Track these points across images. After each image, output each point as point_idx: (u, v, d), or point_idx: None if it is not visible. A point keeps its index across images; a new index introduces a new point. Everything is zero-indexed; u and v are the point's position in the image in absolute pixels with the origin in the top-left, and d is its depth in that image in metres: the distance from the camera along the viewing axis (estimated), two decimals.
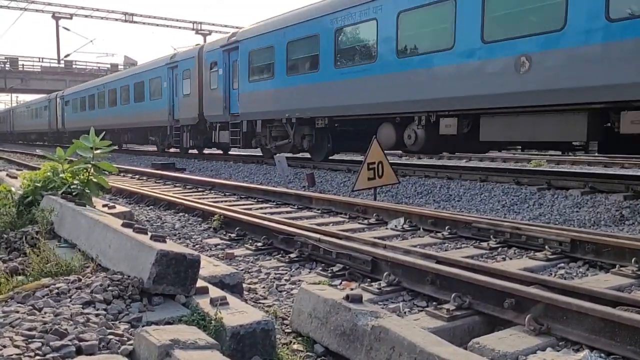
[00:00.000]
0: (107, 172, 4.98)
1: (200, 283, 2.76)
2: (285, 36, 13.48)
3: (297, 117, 13.36)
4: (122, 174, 13.54)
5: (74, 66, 54.24)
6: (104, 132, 5.33)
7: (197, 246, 5.32)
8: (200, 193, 9.93)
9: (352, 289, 3.76)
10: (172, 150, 21.92)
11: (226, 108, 16.34)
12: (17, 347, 1.96)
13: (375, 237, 5.23)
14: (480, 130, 9.13)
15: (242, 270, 4.30)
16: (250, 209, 7.30)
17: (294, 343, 2.80)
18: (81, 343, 2.03)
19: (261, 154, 17.01)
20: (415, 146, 10.68)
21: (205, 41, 43.32)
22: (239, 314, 2.48)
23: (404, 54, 10.34)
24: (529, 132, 8.45)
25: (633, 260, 4.14)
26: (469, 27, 8.85)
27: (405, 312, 3.37)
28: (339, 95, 11.72)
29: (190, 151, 20.96)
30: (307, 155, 15.01)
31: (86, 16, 52.81)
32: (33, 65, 52.89)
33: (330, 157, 14.35)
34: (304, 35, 12.79)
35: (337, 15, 11.82)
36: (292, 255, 4.73)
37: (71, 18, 52.83)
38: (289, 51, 13.38)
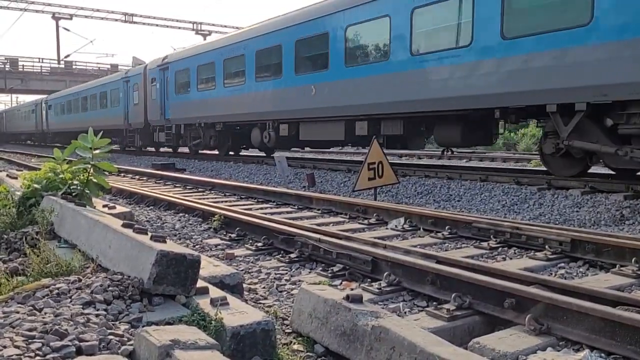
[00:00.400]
0: (106, 173, 4.98)
1: (200, 283, 2.76)
2: (196, 61, 18.11)
3: (204, 122, 17.92)
4: (122, 174, 13.54)
5: (74, 67, 54.21)
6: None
7: (197, 246, 5.32)
8: (201, 193, 9.93)
9: (352, 289, 3.76)
10: (181, 150, 23.77)
11: (162, 114, 20.55)
12: (17, 347, 1.96)
13: (375, 237, 5.23)
14: (300, 133, 13.91)
15: (242, 270, 4.30)
16: (250, 209, 7.30)
17: (294, 343, 2.80)
18: (81, 343, 2.03)
19: (260, 155, 18.21)
20: (270, 143, 15.15)
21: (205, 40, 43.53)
22: (239, 314, 2.48)
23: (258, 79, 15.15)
24: (320, 133, 13.29)
25: (633, 260, 4.14)
26: (288, 65, 13.60)
27: (405, 312, 3.37)
28: (227, 107, 16.25)
29: (143, 149, 25.14)
30: (307, 155, 16.73)
31: (86, 17, 52.83)
32: (33, 66, 52.88)
33: (231, 152, 18.85)
34: (207, 62, 17.36)
35: (223, 50, 16.48)
36: (292, 256, 4.73)
37: (71, 18, 52.82)
38: (199, 72, 17.92)
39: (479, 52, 8.77)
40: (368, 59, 11.24)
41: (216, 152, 18.72)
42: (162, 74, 20.46)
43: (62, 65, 53.98)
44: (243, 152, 19.50)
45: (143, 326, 2.27)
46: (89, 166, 4.82)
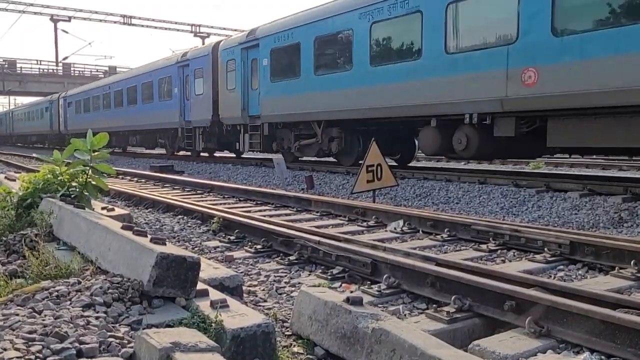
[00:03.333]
0: (105, 175, 4.98)
1: (200, 286, 2.76)
2: (313, 32, 12.67)
3: (325, 120, 13.01)
4: (120, 177, 13.52)
5: (72, 69, 54.20)
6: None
7: (196, 249, 5.31)
8: (199, 195, 9.93)
9: (352, 292, 3.75)
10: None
11: (244, 109, 15.39)
12: (17, 350, 1.95)
13: (374, 240, 5.23)
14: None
15: (241, 272, 4.30)
16: (249, 212, 7.30)
17: (294, 346, 2.79)
18: (81, 346, 2.02)
19: (259, 157, 17.18)
20: (467, 151, 10.32)
21: (203, 43, 43.39)
22: (239, 316, 2.48)
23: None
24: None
25: (632, 263, 4.15)
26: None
27: (405, 315, 3.37)
28: (374, 98, 11.13)
29: (202, 154, 20.35)
30: (306, 157, 15.35)
31: (84, 19, 52.89)
32: (31, 68, 52.87)
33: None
34: (336, 31, 12.11)
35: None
36: (291, 258, 4.72)
37: (69, 20, 52.86)
38: (317, 48, 12.62)
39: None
40: None
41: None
42: (248, 54, 15.28)
43: (61, 67, 53.97)
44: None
45: (143, 328, 2.27)
46: (88, 168, 4.81)
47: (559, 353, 2.69)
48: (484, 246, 5.16)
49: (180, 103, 19.19)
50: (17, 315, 2.34)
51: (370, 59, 11.04)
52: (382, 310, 3.04)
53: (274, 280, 4.17)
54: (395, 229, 6.12)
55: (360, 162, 11.75)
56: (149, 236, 2.94)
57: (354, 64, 11.41)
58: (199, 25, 56.85)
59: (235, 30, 48.73)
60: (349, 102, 11.51)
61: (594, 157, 17.35)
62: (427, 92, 9.83)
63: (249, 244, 5.39)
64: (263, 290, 3.92)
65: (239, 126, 16.01)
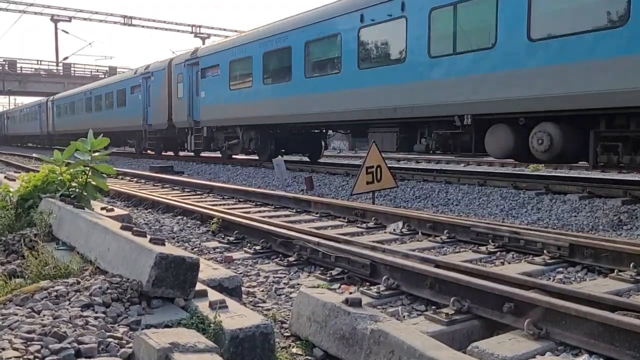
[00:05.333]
0: (105, 175, 4.97)
1: (199, 286, 2.76)
2: (229, 56, 16.34)
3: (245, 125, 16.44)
4: (120, 177, 13.52)
5: (72, 69, 54.20)
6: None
7: (195, 249, 5.31)
8: (199, 196, 9.92)
9: (351, 293, 3.75)
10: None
11: (189, 115, 18.59)
12: (16, 349, 1.95)
13: (374, 241, 5.24)
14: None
15: (240, 273, 4.29)
16: (248, 213, 7.30)
17: (293, 347, 2.79)
18: (80, 346, 2.02)
19: (258, 158, 17.55)
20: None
21: (204, 44, 43.60)
22: (238, 317, 2.48)
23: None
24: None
25: (631, 265, 4.15)
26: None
27: (404, 316, 3.37)
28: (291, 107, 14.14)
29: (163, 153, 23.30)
30: (306, 158, 16.62)
31: (85, 19, 52.85)
32: (31, 68, 52.86)
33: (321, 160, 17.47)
34: (243, 56, 15.85)
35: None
36: (290, 259, 4.72)
37: (70, 21, 52.84)
38: (231, 69, 16.33)
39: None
40: None
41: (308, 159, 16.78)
42: (192, 70, 18.26)
43: (61, 68, 53.96)
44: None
45: (142, 329, 2.27)
46: (88, 168, 4.81)
47: (557, 355, 2.69)
48: (483, 248, 5.16)
49: (144, 109, 22.16)
50: (16, 315, 2.34)
51: (263, 80, 14.72)
52: (381, 312, 3.03)
53: (273, 281, 4.17)
54: (394, 230, 6.12)
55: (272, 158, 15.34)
56: (148, 236, 2.94)
57: (253, 81, 15.01)
58: (199, 26, 56.87)
59: (235, 30, 48.72)
60: (255, 111, 14.94)
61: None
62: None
63: (248, 244, 5.39)
64: (262, 291, 3.92)
65: (186, 129, 19.18)
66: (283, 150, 16.32)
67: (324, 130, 15.92)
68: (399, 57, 10.46)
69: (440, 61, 9.52)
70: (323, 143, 16.90)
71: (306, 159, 17.29)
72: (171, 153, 23.67)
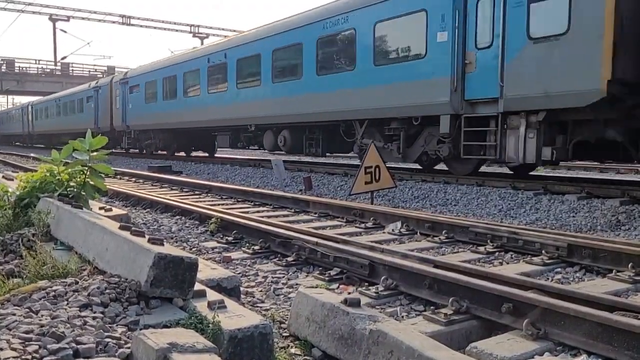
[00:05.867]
0: (103, 175, 4.97)
1: (197, 286, 2.75)
2: (144, 79, 22.30)
3: (155, 129, 22.30)
4: (118, 177, 13.51)
5: (70, 68, 54.13)
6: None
7: (194, 249, 5.31)
8: (197, 196, 9.92)
9: (349, 293, 3.75)
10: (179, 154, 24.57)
11: (123, 121, 24.21)
12: (14, 349, 1.94)
13: (372, 241, 5.23)
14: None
15: (239, 273, 4.29)
16: (247, 213, 7.29)
17: (292, 347, 2.79)
18: (78, 346, 2.02)
19: (257, 158, 18.83)
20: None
21: (202, 44, 43.78)
22: (237, 317, 2.47)
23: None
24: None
25: (629, 266, 4.16)
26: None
27: (402, 316, 3.36)
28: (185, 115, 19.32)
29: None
30: (304, 158, 17.20)
31: (83, 18, 52.83)
32: (29, 67, 52.78)
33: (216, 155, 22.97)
34: (153, 79, 21.58)
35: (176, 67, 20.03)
36: (289, 259, 4.72)
37: (68, 20, 52.82)
38: (147, 88, 22.09)
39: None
40: None
41: (306, 159, 18.24)
42: (124, 87, 24.82)
43: (59, 67, 53.88)
44: (344, 160, 20.12)
45: (140, 329, 2.26)
46: (86, 168, 4.80)
47: (556, 355, 2.69)
48: (481, 248, 5.16)
49: (95, 114, 28.02)
50: (14, 315, 2.33)
51: (162, 97, 20.80)
52: (380, 312, 3.03)
53: (272, 281, 4.16)
54: (393, 230, 6.12)
55: (176, 153, 22.75)
56: (147, 236, 2.93)
57: (157, 97, 21.13)
58: (198, 26, 56.91)
59: (234, 30, 48.70)
60: (160, 119, 20.85)
61: (592, 160, 17.31)
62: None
63: (247, 244, 5.38)
64: (261, 291, 3.92)
65: (122, 131, 24.98)
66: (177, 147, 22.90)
67: (214, 133, 20.25)
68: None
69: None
70: (215, 142, 21.83)
71: (307, 159, 17.92)
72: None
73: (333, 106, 12.02)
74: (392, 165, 11.67)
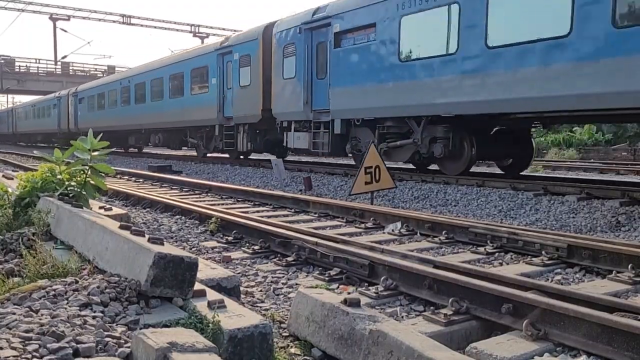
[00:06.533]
0: (104, 174, 4.97)
1: (197, 286, 2.75)
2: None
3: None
4: (118, 176, 13.50)
5: (71, 68, 54.13)
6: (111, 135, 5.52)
7: (194, 249, 5.31)
8: (197, 196, 9.92)
9: (349, 293, 3.74)
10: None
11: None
12: (14, 349, 1.94)
13: (372, 241, 5.23)
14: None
15: (239, 273, 4.29)
16: (247, 212, 7.29)
17: (292, 347, 2.79)
18: (78, 345, 2.02)
19: (257, 158, 17.84)
20: None
21: (202, 43, 43.61)
22: (237, 317, 2.47)
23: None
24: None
25: (629, 267, 4.15)
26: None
27: (402, 317, 3.36)
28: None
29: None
30: (304, 158, 16.89)
31: (84, 18, 52.82)
32: (30, 67, 52.77)
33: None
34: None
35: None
36: (289, 259, 4.72)
37: (69, 19, 52.81)
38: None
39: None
40: None
41: (305, 159, 17.87)
42: (75, 98, 28.63)
43: (59, 66, 53.88)
44: (345, 160, 16.96)
45: (140, 328, 2.26)
46: (87, 168, 4.80)
47: (556, 356, 2.69)
48: (481, 249, 5.16)
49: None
50: (14, 314, 2.33)
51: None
52: (380, 312, 3.03)
53: (272, 281, 4.16)
54: (393, 230, 6.12)
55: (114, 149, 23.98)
56: (147, 236, 2.93)
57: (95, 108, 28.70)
58: (198, 26, 56.87)
59: (234, 30, 48.68)
60: (96, 123, 23.49)
61: (591, 161, 17.35)
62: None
63: (247, 244, 5.38)
64: (260, 291, 3.92)
65: (75, 132, 27.75)
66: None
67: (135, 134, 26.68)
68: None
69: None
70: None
71: (307, 159, 17.91)
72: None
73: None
74: (392, 166, 11.67)
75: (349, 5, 11.79)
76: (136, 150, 28.98)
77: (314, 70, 13.20)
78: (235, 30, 45.80)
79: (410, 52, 10.42)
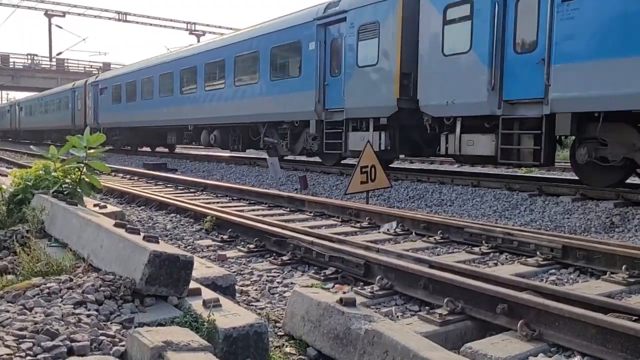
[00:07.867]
0: (99, 172, 4.94)
1: (192, 285, 2.74)
2: (110, 82, 26.45)
3: (122, 127, 26.37)
4: (113, 174, 13.46)
5: (66, 64, 53.89)
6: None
7: (189, 247, 5.29)
8: (192, 194, 9.89)
9: (344, 292, 3.75)
10: (302, 158, 16.14)
11: (95, 119, 25.25)
12: (7, 347, 1.93)
13: (367, 241, 5.23)
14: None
15: (234, 272, 4.28)
16: (242, 211, 7.28)
17: (287, 346, 2.79)
18: (73, 344, 2.01)
19: (252, 157, 18.31)
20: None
21: (198, 41, 43.35)
22: (232, 316, 2.47)
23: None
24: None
25: (623, 267, 4.17)
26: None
27: (397, 316, 3.36)
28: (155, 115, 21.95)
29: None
30: (303, 158, 16.07)
31: (79, 14, 52.60)
32: (24, 63, 52.51)
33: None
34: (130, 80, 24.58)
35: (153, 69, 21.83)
36: (284, 258, 4.72)
37: (64, 16, 52.60)
38: (113, 90, 26.60)
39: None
40: None
41: (304, 158, 16.16)
42: (95, 88, 27.03)
43: (54, 63, 53.63)
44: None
45: (135, 327, 2.25)
46: (82, 165, 4.78)
47: (550, 357, 2.70)
48: (476, 249, 5.17)
49: (72, 113, 31.18)
50: (8, 312, 2.32)
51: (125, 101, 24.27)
52: (375, 312, 3.03)
53: (267, 280, 4.16)
54: (388, 230, 6.13)
55: (139, 149, 25.80)
56: (142, 234, 2.92)
57: (122, 101, 24.73)
58: (194, 23, 56.72)
59: (230, 28, 48.57)
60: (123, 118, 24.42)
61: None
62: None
63: (242, 243, 5.37)
64: (256, 290, 3.91)
65: (95, 129, 21.92)
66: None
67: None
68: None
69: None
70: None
71: (303, 158, 18.22)
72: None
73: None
74: (393, 166, 11.70)
75: None
76: (167, 150, 25.83)
77: (510, 39, 8.61)
78: (232, 29, 45.62)
79: None
